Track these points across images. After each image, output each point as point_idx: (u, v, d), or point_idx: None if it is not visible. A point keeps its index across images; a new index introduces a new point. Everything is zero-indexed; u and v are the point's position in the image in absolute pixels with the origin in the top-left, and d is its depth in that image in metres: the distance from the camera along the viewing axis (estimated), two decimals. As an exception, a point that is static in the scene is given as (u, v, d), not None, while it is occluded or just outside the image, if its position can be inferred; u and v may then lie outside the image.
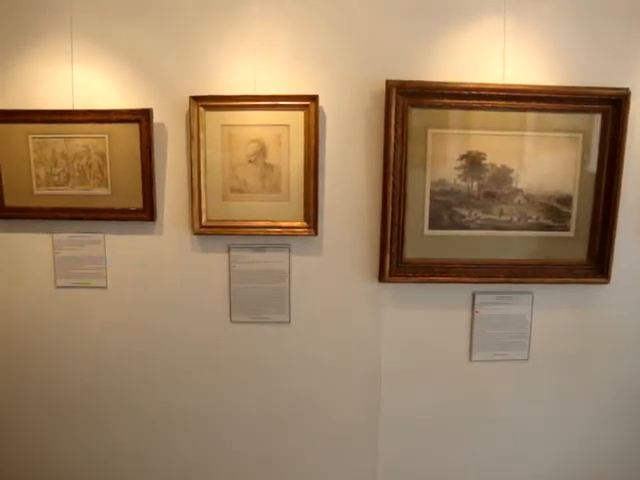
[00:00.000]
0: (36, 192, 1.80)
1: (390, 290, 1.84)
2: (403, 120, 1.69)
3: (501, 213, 1.78)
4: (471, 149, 1.73)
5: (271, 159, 1.75)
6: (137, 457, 1.99)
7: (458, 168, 1.74)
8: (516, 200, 1.77)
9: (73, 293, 1.88)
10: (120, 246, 1.84)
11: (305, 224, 1.77)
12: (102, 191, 1.79)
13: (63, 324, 1.90)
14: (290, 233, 1.78)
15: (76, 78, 1.75)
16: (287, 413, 1.93)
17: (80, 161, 1.77)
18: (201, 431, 1.96)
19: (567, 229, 1.79)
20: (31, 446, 2.00)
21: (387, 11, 1.69)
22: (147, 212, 1.78)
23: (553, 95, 1.68)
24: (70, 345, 1.91)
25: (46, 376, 1.94)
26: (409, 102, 1.69)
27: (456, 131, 1.73)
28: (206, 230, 1.79)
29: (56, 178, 1.78)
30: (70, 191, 1.79)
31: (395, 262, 1.78)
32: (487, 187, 1.76)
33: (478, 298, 1.85)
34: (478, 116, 1.71)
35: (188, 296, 1.86)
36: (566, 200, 1.77)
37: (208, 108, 1.71)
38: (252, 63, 1.72)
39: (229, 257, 1.83)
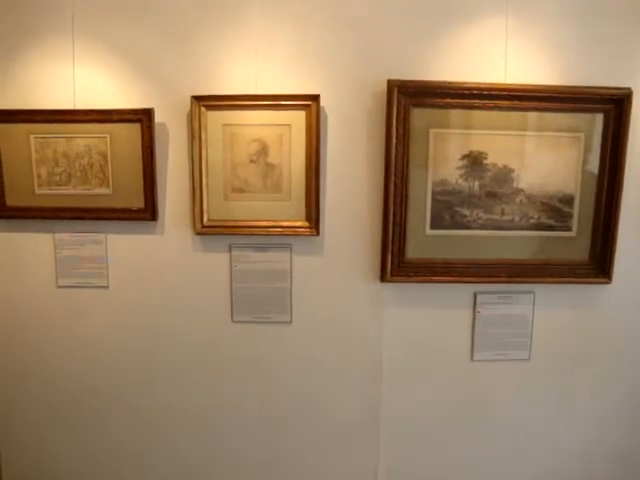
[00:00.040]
0: (37, 192, 1.80)
1: (391, 290, 1.84)
2: (405, 120, 1.69)
3: (502, 213, 1.78)
4: (473, 149, 1.73)
5: (272, 159, 1.74)
6: (137, 457, 1.98)
7: (460, 168, 1.74)
8: (518, 200, 1.76)
9: (74, 293, 1.87)
10: (121, 246, 1.84)
11: (307, 224, 1.77)
12: (103, 191, 1.79)
13: (64, 324, 1.90)
14: (292, 233, 1.78)
15: (77, 78, 1.75)
16: (288, 413, 1.93)
17: (82, 161, 1.77)
18: (202, 431, 1.95)
19: (569, 229, 1.79)
20: (31, 446, 2.00)
21: (388, 10, 1.70)
22: (148, 212, 1.78)
23: (555, 95, 1.68)
24: (71, 345, 1.91)
25: (46, 376, 1.94)
26: (411, 102, 1.69)
27: (458, 131, 1.73)
28: (207, 230, 1.79)
29: (57, 178, 1.78)
30: (71, 191, 1.79)
31: (397, 262, 1.78)
32: (489, 187, 1.76)
33: (479, 298, 1.85)
34: (480, 116, 1.71)
35: (189, 296, 1.86)
36: (568, 200, 1.77)
37: (209, 108, 1.71)
38: (253, 63, 1.72)
39: (230, 257, 1.83)
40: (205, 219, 1.78)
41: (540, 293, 1.85)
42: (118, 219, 1.80)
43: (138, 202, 1.78)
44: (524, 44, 1.70)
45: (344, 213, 1.80)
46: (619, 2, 1.70)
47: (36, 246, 1.86)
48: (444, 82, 1.68)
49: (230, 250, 1.83)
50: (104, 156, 1.76)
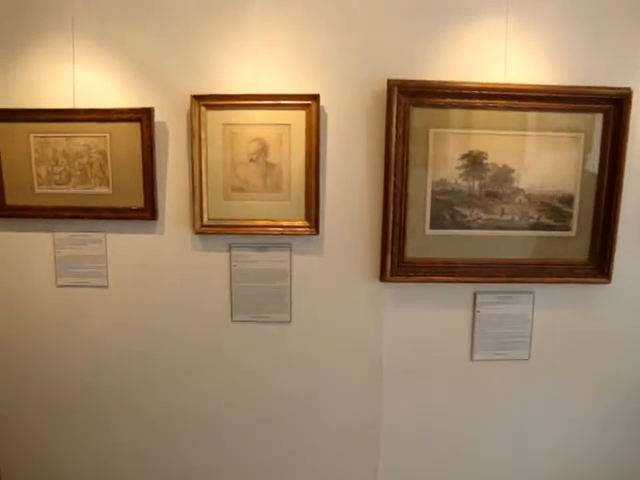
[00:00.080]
0: (37, 191, 1.80)
1: (391, 290, 1.84)
2: (404, 119, 1.69)
3: (502, 213, 1.78)
4: (472, 149, 1.73)
5: (272, 158, 1.74)
6: (137, 457, 1.98)
7: (459, 168, 1.74)
8: (517, 200, 1.77)
9: (74, 292, 1.87)
10: (121, 245, 1.84)
11: (306, 223, 1.77)
12: (103, 190, 1.79)
13: (63, 323, 1.90)
14: (291, 232, 1.78)
15: (78, 77, 1.75)
16: (288, 413, 1.93)
17: (81, 160, 1.77)
18: (201, 431, 1.95)
19: (568, 229, 1.79)
20: (31, 446, 2.00)
21: (388, 10, 1.70)
22: (148, 211, 1.78)
23: (554, 95, 1.68)
24: (70, 344, 1.91)
25: (46, 376, 1.94)
26: (410, 101, 1.69)
27: (457, 130, 1.73)
28: (207, 229, 1.79)
29: (57, 177, 1.78)
30: (71, 190, 1.79)
31: (396, 262, 1.78)
32: (488, 187, 1.76)
33: (479, 298, 1.85)
34: (479, 115, 1.71)
35: (189, 295, 1.86)
36: (567, 200, 1.77)
37: (209, 107, 1.71)
38: (253, 62, 1.72)
39: (230, 256, 1.83)
40: (205, 218, 1.78)
41: (540, 293, 1.85)
42: (118, 218, 1.80)
43: (138, 201, 1.78)
44: (524, 44, 1.71)
45: (344, 213, 1.80)
46: (619, 2, 1.70)
47: (35, 245, 1.86)
48: (444, 82, 1.68)
49: (230, 249, 1.83)
50: (104, 155, 1.76)
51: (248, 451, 1.96)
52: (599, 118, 1.72)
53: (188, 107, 1.72)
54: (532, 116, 1.72)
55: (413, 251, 1.79)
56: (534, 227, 1.78)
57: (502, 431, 1.95)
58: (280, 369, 1.90)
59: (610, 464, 2.00)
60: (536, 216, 1.78)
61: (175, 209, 1.81)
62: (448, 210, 1.77)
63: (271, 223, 1.77)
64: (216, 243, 1.82)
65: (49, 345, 1.92)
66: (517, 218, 1.78)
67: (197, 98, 1.70)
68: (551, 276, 1.80)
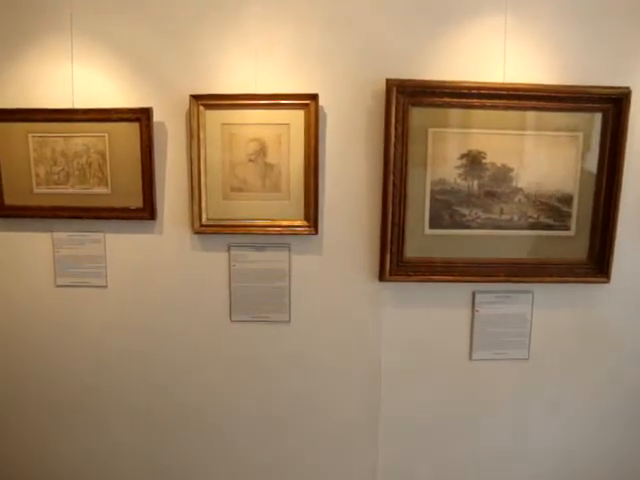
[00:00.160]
0: (36, 191, 1.80)
1: (390, 289, 1.84)
2: (403, 119, 1.69)
3: (501, 212, 1.78)
4: (471, 148, 1.73)
5: (271, 158, 1.74)
6: (137, 457, 1.98)
7: (458, 167, 1.74)
8: (516, 199, 1.76)
9: (73, 292, 1.87)
10: (120, 245, 1.84)
11: (305, 223, 1.77)
12: (102, 190, 1.78)
13: (63, 323, 1.90)
14: (290, 232, 1.78)
15: (76, 77, 1.74)
16: (287, 413, 1.93)
17: (80, 160, 1.76)
18: (201, 430, 1.95)
19: (567, 228, 1.79)
20: (31, 446, 2.00)
21: (387, 10, 1.69)
22: (147, 211, 1.78)
23: (553, 94, 1.68)
24: (70, 344, 1.91)
25: (46, 376, 1.94)
26: (409, 101, 1.68)
27: (456, 130, 1.73)
28: (206, 229, 1.78)
29: (56, 177, 1.78)
30: (70, 190, 1.79)
31: (395, 261, 1.78)
32: (487, 186, 1.76)
33: (478, 297, 1.85)
34: (478, 115, 1.71)
35: (188, 295, 1.86)
36: (566, 199, 1.77)
37: (208, 107, 1.71)
38: (252, 62, 1.72)
39: (229, 256, 1.83)
40: (204, 218, 1.78)
41: (539, 292, 1.85)
42: (116, 218, 1.79)
43: (137, 201, 1.78)
44: (523, 43, 1.70)
45: (343, 212, 1.80)
46: (618, 1, 1.69)
47: (34, 245, 1.85)
48: (443, 81, 1.68)
49: (229, 249, 1.83)
50: (102, 155, 1.76)
51: (248, 450, 1.96)
52: (598, 117, 1.72)
53: (187, 107, 1.72)
54: (531, 115, 1.72)
55: (412, 251, 1.79)
56: (533, 227, 1.78)
57: (501, 430, 1.95)
58: (279, 369, 1.90)
59: (609, 463, 2.00)
60: (535, 215, 1.78)
61: (174, 209, 1.81)
62: (447, 210, 1.77)
63: (270, 223, 1.77)
64: (215, 243, 1.82)
65: (48, 345, 1.92)
66: (516, 217, 1.78)
67: (196, 98, 1.70)
68: (550, 276, 1.80)
